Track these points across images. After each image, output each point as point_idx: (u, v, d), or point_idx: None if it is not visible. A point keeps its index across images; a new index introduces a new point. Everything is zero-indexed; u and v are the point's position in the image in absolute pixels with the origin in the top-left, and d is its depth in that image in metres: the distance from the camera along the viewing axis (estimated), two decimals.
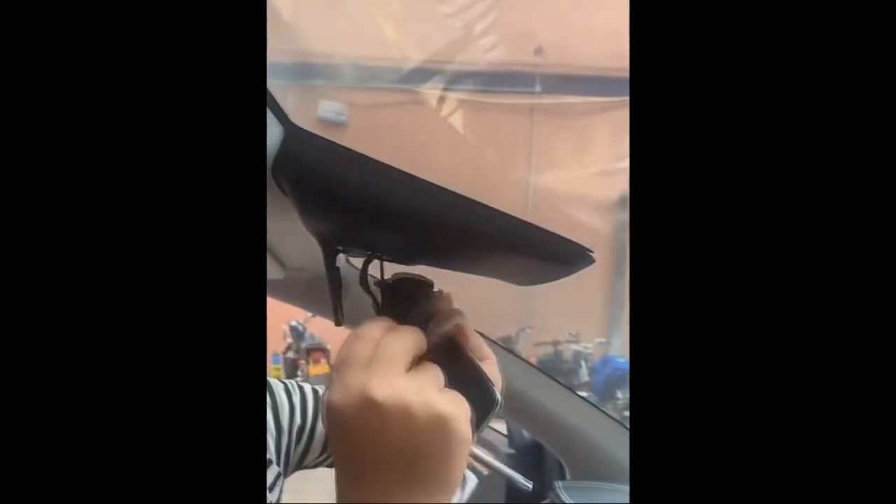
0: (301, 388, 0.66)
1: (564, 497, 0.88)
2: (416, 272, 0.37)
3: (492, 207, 0.30)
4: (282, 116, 0.31)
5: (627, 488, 1.00)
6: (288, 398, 0.63)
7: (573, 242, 0.31)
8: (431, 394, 0.31)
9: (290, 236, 0.52)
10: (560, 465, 1.01)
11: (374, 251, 0.36)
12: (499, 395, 0.35)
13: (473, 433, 0.33)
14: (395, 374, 0.32)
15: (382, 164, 0.29)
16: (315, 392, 0.67)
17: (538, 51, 5.01)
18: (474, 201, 0.30)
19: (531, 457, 1.11)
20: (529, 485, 0.50)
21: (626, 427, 1.06)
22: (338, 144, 0.30)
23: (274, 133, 0.30)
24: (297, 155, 0.30)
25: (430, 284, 0.37)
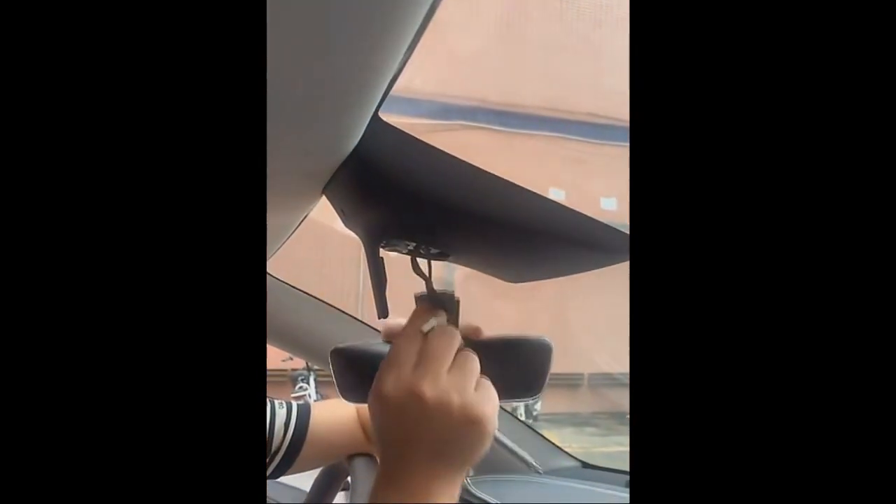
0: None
1: (477, 492, 0.92)
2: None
3: (550, 199, 0.34)
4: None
5: (537, 479, 1.07)
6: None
7: (616, 230, 0.36)
8: (470, 395, 0.38)
9: None
10: None
11: (418, 243, 0.37)
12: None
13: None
14: (442, 372, 0.37)
15: (461, 160, 0.32)
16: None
17: None
18: (537, 194, 0.33)
19: None
20: (541, 470, 0.58)
21: (515, 417, 1.14)
22: (418, 139, 0.32)
23: (357, 125, 0.31)
24: (378, 147, 0.31)
25: (457, 300, 0.42)
